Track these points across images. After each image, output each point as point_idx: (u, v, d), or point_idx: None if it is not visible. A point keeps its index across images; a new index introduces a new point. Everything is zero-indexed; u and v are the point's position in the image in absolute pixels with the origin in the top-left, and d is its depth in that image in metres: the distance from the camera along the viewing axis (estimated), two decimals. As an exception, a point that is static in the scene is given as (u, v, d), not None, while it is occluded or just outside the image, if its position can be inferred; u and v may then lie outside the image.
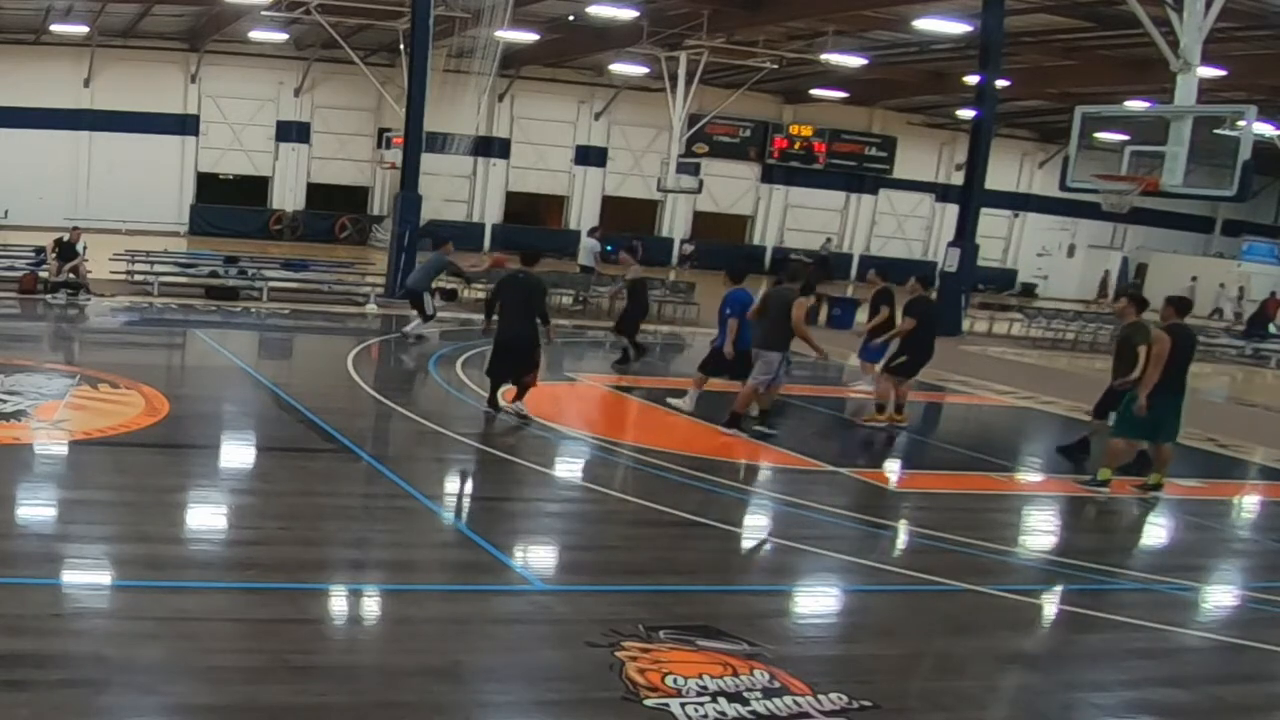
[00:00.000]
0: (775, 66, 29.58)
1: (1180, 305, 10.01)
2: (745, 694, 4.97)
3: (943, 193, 38.47)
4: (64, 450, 8.33)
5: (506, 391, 10.74)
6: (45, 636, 5.01)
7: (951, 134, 37.87)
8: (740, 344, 11.42)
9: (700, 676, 5.09)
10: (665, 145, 32.75)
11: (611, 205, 36.75)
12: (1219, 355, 24.60)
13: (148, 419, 9.39)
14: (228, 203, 33.33)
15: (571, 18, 26.71)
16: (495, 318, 10.94)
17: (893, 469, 10.64)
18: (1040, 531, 9.05)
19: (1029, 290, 38.97)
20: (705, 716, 4.76)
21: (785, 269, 13.14)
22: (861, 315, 16.47)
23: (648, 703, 4.83)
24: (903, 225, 40.19)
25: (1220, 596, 7.57)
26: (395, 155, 25.44)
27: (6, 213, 28.04)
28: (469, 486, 8.94)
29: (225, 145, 33.06)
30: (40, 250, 18.33)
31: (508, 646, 5.51)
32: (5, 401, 9.44)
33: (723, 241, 36.74)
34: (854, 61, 27.91)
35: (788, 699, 4.97)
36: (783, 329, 10.54)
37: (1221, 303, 35.09)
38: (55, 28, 28.11)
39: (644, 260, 34.74)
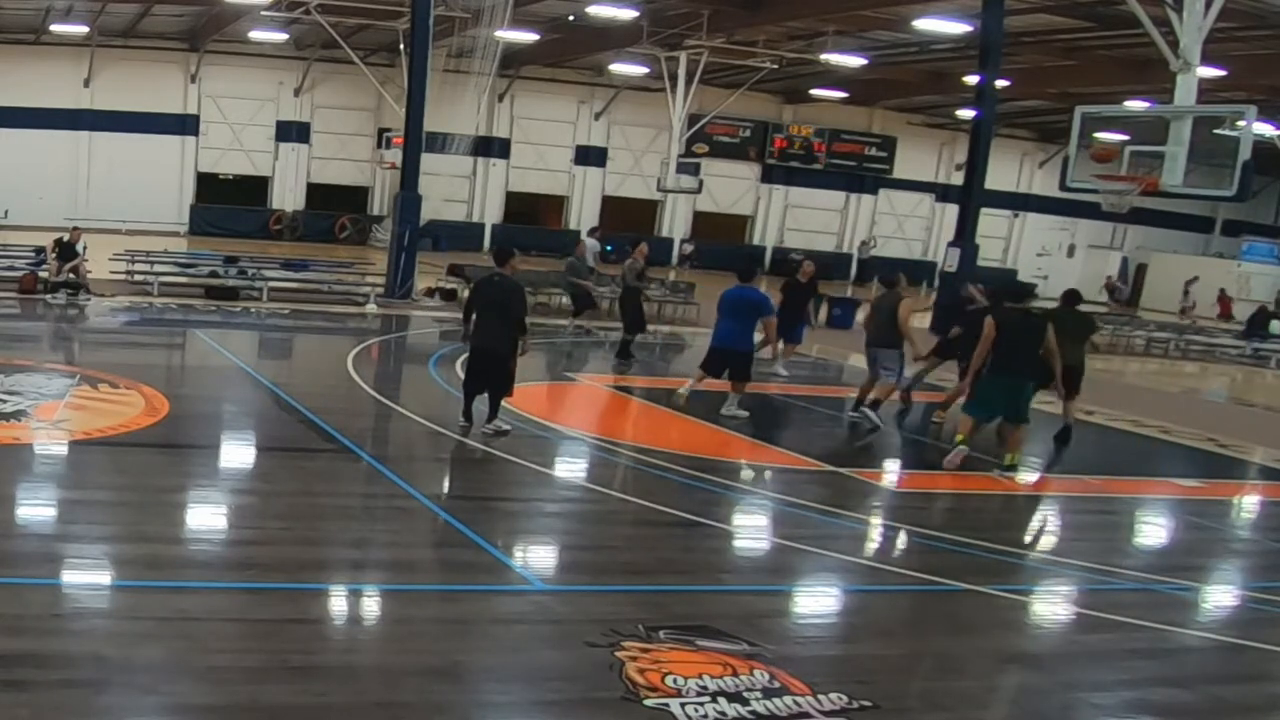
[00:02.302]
0: (775, 66, 29.56)
1: (992, 295, 10.11)
2: (745, 694, 4.97)
3: (943, 193, 38.44)
4: (64, 450, 8.32)
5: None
6: (45, 636, 5.01)
7: (951, 134, 37.84)
8: (723, 341, 11.50)
9: (700, 676, 5.09)
10: (665, 145, 32.71)
11: (611, 205, 36.71)
12: (1219, 355, 24.63)
13: (148, 419, 9.38)
14: (228, 203, 33.29)
15: (571, 18, 26.70)
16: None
17: (892, 469, 10.64)
18: (1040, 531, 9.06)
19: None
20: (705, 716, 4.75)
21: (887, 277, 13.33)
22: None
23: (647, 703, 4.83)
24: (903, 225, 40.15)
25: (1220, 596, 7.57)
26: (395, 155, 25.41)
27: (6, 213, 28.03)
28: (469, 486, 8.93)
29: (225, 145, 33.03)
30: (40, 250, 18.33)
31: (508, 646, 5.51)
32: (5, 401, 9.44)
33: (723, 241, 36.72)
34: (854, 61, 27.90)
35: (788, 699, 4.97)
36: (892, 328, 11.68)
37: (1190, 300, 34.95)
38: (55, 28, 28.10)
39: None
